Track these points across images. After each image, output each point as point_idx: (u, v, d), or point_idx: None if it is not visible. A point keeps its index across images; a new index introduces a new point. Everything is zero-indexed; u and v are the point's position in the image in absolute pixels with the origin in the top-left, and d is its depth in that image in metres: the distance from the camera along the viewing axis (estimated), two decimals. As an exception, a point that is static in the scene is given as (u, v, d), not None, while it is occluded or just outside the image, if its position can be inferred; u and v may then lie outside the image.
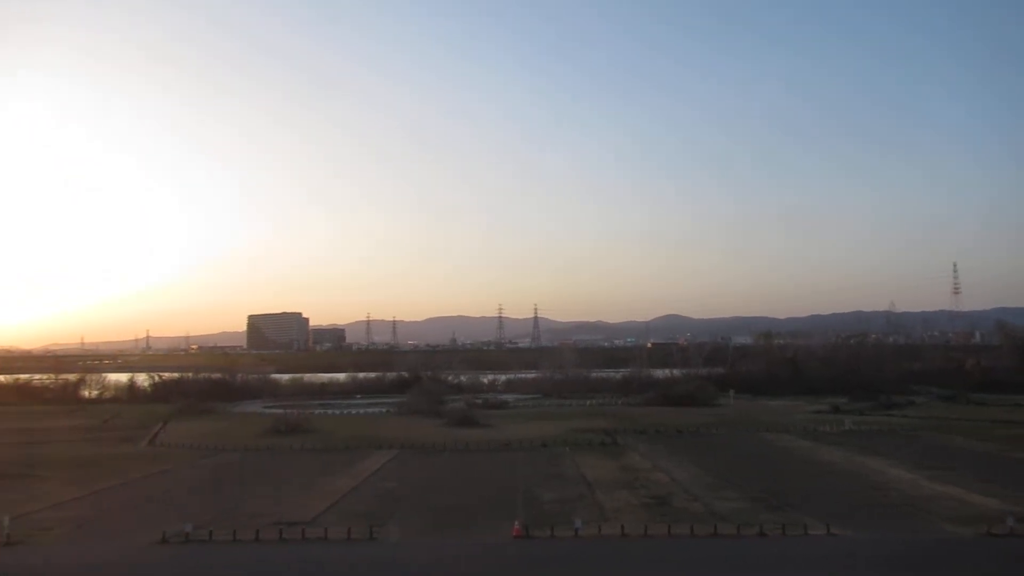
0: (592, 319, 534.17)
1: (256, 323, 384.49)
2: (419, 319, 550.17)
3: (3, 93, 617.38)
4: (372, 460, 57.23)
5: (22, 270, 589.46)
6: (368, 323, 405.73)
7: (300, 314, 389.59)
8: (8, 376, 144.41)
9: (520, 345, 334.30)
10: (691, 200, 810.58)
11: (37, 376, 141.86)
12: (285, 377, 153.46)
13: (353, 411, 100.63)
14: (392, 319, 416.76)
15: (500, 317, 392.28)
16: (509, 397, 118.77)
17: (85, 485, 48.36)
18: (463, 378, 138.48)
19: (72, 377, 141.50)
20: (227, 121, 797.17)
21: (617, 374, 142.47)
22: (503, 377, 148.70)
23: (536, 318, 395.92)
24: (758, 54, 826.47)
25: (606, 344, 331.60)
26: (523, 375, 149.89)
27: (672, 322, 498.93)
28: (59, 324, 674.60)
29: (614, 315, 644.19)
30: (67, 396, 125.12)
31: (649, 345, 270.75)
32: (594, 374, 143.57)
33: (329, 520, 36.71)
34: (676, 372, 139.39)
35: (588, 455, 59.00)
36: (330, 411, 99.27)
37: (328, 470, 52.98)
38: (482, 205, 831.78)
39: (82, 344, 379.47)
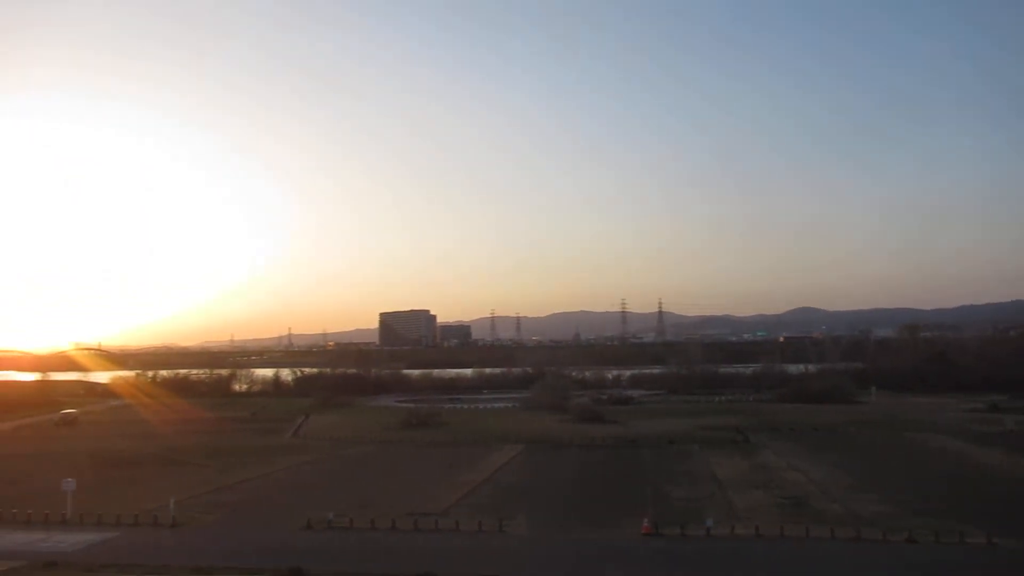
0: (719, 313, 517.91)
1: (387, 321, 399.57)
2: (542, 315, 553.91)
3: (125, 99, 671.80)
4: (500, 454, 58.11)
5: (180, 275, 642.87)
6: (492, 319, 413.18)
7: (428, 311, 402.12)
8: (169, 371, 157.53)
9: (644, 340, 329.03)
10: (821, 188, 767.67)
11: (194, 371, 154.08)
12: (415, 373, 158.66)
13: (480, 406, 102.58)
14: (516, 315, 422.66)
15: (623, 312, 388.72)
16: (634, 393, 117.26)
17: (238, 472, 52.07)
18: (587, 373, 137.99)
19: (224, 372, 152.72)
20: (359, 127, 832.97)
21: (747, 370, 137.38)
22: (628, 373, 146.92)
23: (661, 312, 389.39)
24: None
25: (734, 339, 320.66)
26: (648, 370, 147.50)
27: (805, 315, 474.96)
28: (212, 323, 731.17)
29: (742, 308, 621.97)
30: (220, 390, 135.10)
31: (781, 339, 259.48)
32: (722, 369, 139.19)
33: (460, 512, 37.65)
34: (811, 367, 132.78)
35: (718, 452, 57.33)
36: (458, 405, 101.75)
37: (458, 463, 54.28)
38: (602, 199, 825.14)
39: (232, 341, 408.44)
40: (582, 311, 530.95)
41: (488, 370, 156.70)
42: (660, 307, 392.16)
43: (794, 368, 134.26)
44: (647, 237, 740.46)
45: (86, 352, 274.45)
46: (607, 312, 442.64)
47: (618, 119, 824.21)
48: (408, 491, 44.07)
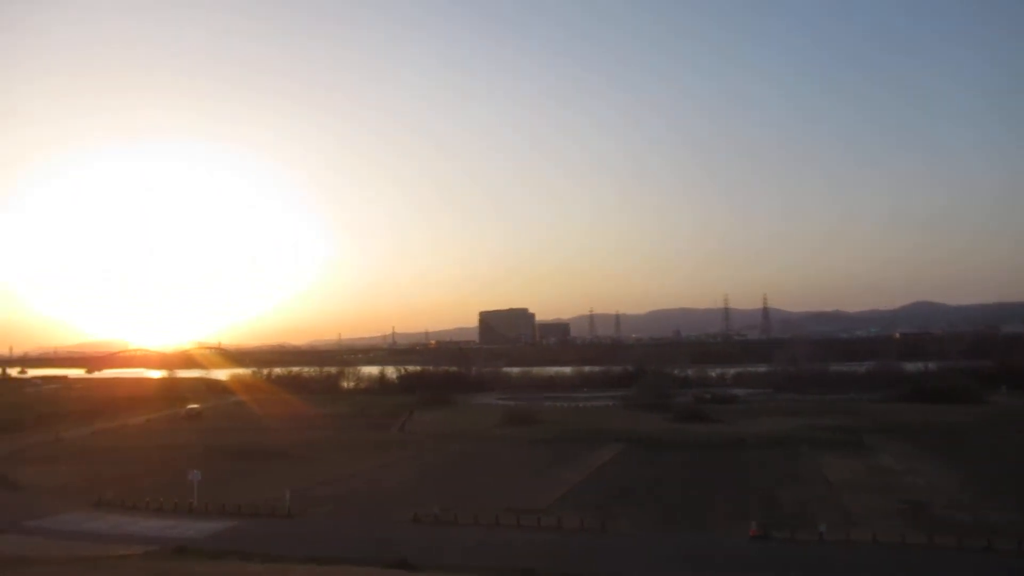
0: (828, 308, 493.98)
1: (487, 319, 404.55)
2: (641, 312, 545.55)
3: (238, 101, 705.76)
4: (601, 453, 57.75)
5: (292, 277, 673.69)
6: (591, 317, 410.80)
7: (527, 310, 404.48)
8: (282, 368, 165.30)
9: (749, 337, 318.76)
10: (940, 176, 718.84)
11: (305, 369, 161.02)
12: (515, 370, 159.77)
13: (579, 404, 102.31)
14: (615, 313, 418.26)
15: (726, 308, 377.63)
16: (739, 391, 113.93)
17: (348, 466, 54.06)
18: (689, 372, 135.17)
19: (332, 370, 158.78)
20: (461, 127, 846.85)
21: (859, 368, 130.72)
22: (731, 371, 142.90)
23: (765, 308, 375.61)
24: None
25: (844, 335, 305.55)
26: (753, 368, 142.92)
27: (922, 310, 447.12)
28: (321, 323, 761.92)
29: (853, 304, 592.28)
30: (328, 387, 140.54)
31: (896, 336, 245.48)
32: (832, 368, 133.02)
33: (561, 510, 37.63)
34: (930, 365, 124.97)
35: (829, 454, 54.85)
36: (558, 403, 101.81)
37: (559, 461, 54.33)
38: (702, 193, 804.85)
39: (339, 340, 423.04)
40: (682, 308, 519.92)
41: (587, 368, 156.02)
42: (765, 303, 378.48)
43: (911, 366, 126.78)
44: (751, 230, 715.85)
45: (207, 351, 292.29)
46: (709, 309, 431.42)
47: (717, 108, 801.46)
48: (510, 488, 44.45)
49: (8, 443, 71.74)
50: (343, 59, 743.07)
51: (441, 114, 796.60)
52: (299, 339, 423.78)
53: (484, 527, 34.68)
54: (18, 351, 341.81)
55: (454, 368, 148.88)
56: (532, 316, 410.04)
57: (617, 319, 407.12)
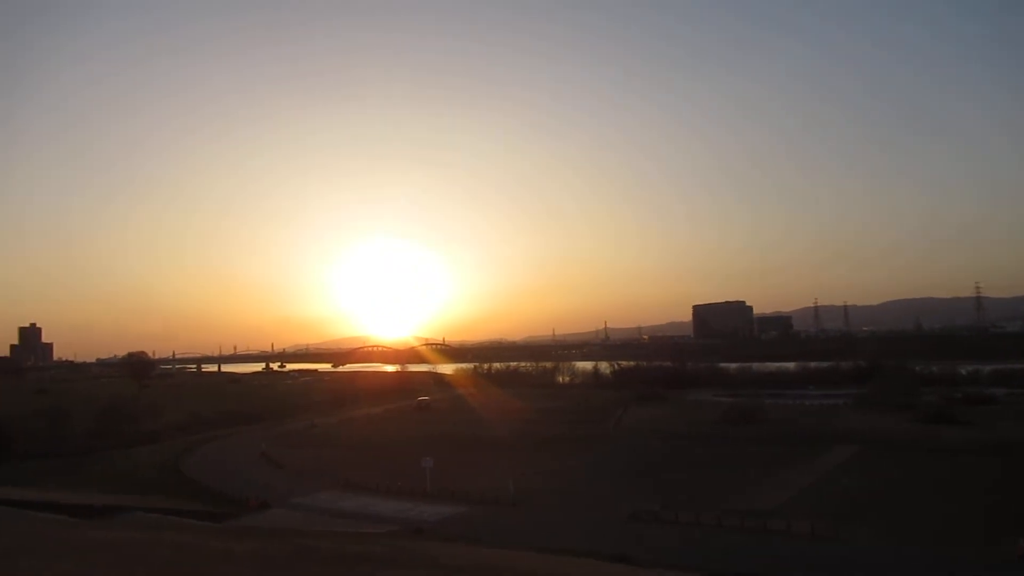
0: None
1: (701, 313, 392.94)
2: (874, 302, 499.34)
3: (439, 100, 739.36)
4: (833, 455, 53.74)
5: (509, 276, 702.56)
6: (816, 309, 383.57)
7: (743, 303, 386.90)
8: (501, 363, 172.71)
9: (1008, 329, 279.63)
10: None
11: (521, 364, 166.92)
12: (732, 366, 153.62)
13: (806, 402, 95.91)
14: (843, 304, 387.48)
15: (978, 296, 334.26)
16: (998, 391, 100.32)
17: (564, 459, 55.23)
18: (934, 368, 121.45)
19: (548, 365, 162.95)
20: (671, 119, 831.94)
21: None
22: (987, 368, 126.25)
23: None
24: None
25: None
26: (1015, 365, 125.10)
27: None
28: (536, 319, 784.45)
29: None
30: (544, 381, 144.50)
31: None
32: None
33: (790, 513, 35.56)
34: None
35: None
36: (780, 401, 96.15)
37: (784, 461, 51.38)
38: (940, 169, 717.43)
39: (553, 336, 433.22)
40: (924, 297, 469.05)
41: (813, 364, 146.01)
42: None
43: None
44: (1005, 204, 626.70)
45: (432, 347, 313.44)
46: (956, 298, 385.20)
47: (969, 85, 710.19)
48: (731, 488, 42.84)
49: (273, 428, 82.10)
50: (563, 58, 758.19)
51: (649, 107, 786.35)
52: (515, 335, 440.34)
53: (705, 527, 33.75)
54: (278, 347, 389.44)
55: (668, 363, 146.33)
56: (750, 309, 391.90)
57: (846, 310, 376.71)
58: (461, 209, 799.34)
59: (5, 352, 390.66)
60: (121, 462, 61.53)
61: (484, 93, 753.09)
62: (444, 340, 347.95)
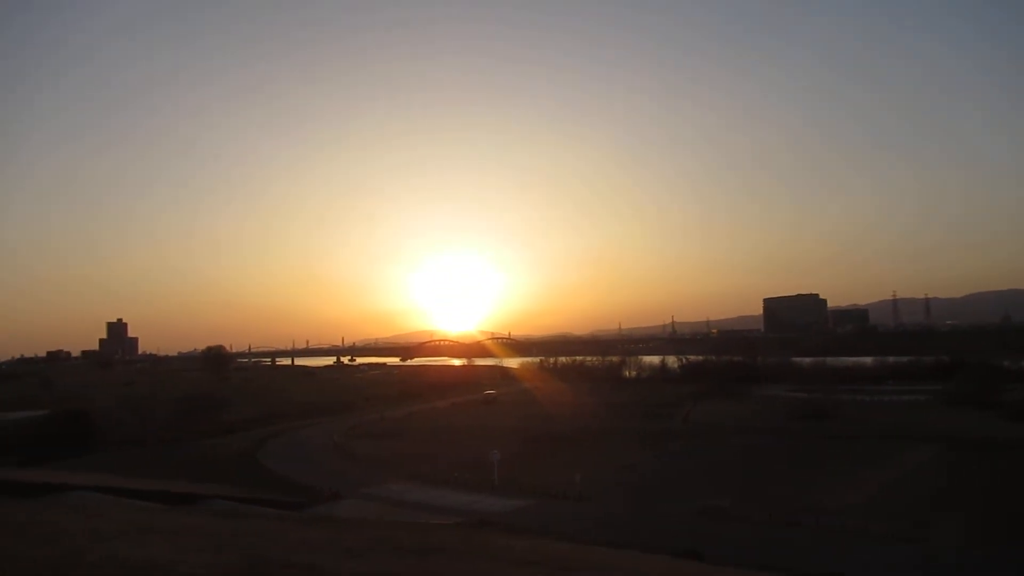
0: None
1: (772, 306, 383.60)
2: (957, 295, 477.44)
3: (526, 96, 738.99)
4: (913, 453, 51.84)
5: (573, 269, 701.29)
6: (894, 301, 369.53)
7: (817, 295, 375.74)
8: (567, 357, 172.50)
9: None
10: None
11: (587, 358, 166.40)
12: (805, 361, 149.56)
13: (884, 398, 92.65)
14: (924, 296, 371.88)
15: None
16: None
17: (631, 454, 54.93)
18: (1023, 363, 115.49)
19: (614, 359, 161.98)
20: (740, 104, 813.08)
21: None
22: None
23: None
24: None
25: None
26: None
27: None
28: (602, 313, 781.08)
29: None
30: (610, 375, 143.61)
31: None
32: None
33: (867, 513, 34.56)
34: None
35: None
36: (857, 397, 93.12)
37: (861, 460, 49.88)
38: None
39: (619, 330, 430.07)
40: (1013, 289, 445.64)
41: (891, 359, 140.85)
42: None
43: None
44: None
45: (498, 341, 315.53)
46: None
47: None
48: (804, 486, 41.86)
49: (344, 421, 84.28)
50: (638, 53, 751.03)
51: (715, 94, 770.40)
52: (581, 329, 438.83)
53: (778, 526, 33.10)
54: (348, 342, 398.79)
55: (738, 358, 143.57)
56: (823, 302, 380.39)
57: (927, 303, 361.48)
58: (528, 203, 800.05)
59: (94, 346, 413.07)
60: (202, 452, 64.21)
61: (545, 84, 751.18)
62: (510, 334, 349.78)
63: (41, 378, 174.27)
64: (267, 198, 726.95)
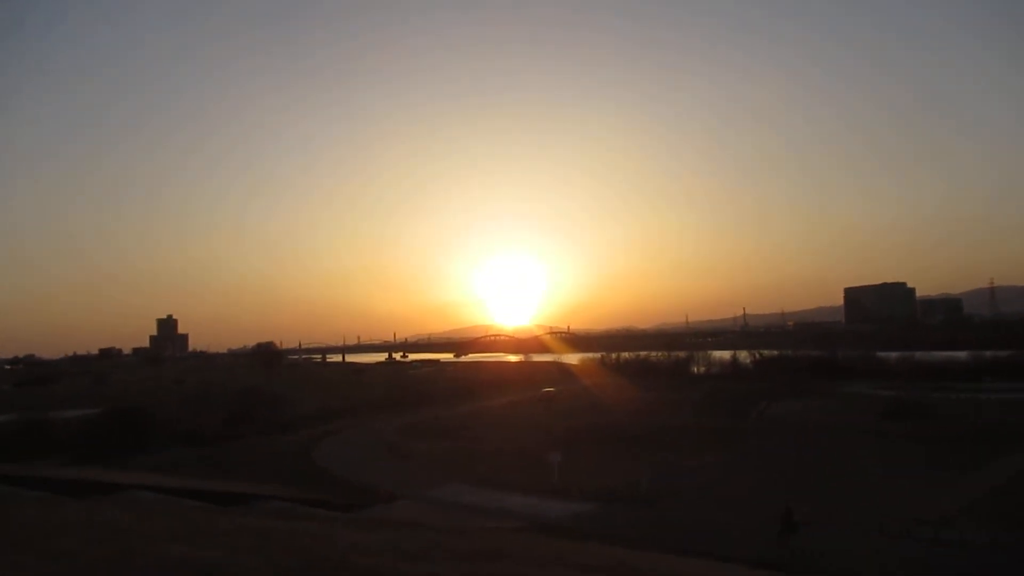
0: None
1: (854, 296, 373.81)
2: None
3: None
4: (1016, 457, 49.69)
5: (637, 259, 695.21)
6: (992, 290, 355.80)
7: (904, 284, 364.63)
8: (631, 353, 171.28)
9: None
10: None
11: (652, 353, 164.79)
12: (892, 355, 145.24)
13: (982, 395, 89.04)
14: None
15: None
16: None
17: (700, 455, 54.21)
18: None
19: (680, 354, 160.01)
20: (805, 87, 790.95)
21: None
22: None
23: None
24: None
25: None
26: None
27: None
28: (667, 306, 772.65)
29: None
30: (677, 371, 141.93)
31: None
32: None
33: (964, 522, 33.32)
34: None
35: None
36: (952, 395, 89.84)
37: (956, 464, 48.10)
38: None
39: (687, 323, 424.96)
40: None
41: (989, 353, 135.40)
42: None
43: None
44: None
45: (556, 335, 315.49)
46: None
47: None
48: (893, 491, 40.62)
49: (397, 419, 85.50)
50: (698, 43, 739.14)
51: (788, 75, 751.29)
52: (645, 323, 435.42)
53: (861, 535, 32.19)
54: (400, 337, 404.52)
55: (816, 352, 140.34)
56: (911, 291, 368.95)
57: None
58: (589, 191, 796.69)
59: (145, 343, 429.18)
60: (256, 450, 66.01)
61: (603, 63, 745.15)
62: (569, 328, 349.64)
63: (94, 375, 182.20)
64: (317, 192, 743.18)
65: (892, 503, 37.18)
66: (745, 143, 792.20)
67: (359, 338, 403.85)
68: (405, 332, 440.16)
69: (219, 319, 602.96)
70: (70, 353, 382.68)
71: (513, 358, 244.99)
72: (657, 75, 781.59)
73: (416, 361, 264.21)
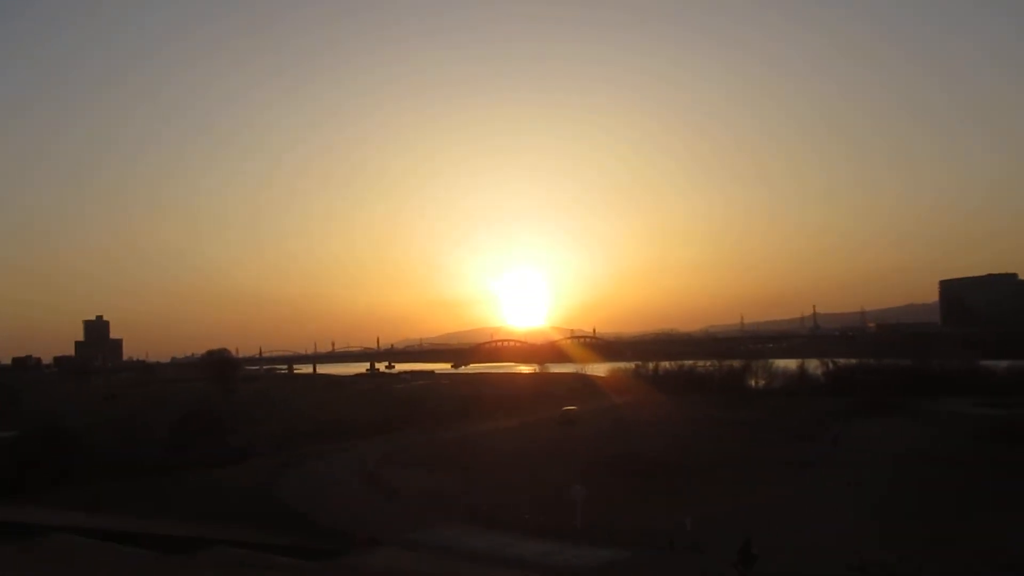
0: None
1: (952, 290, 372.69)
2: None
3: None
4: None
5: (680, 252, 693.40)
6: None
7: (1016, 275, 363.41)
8: (672, 362, 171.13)
9: None
10: None
11: (699, 362, 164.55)
12: (1001, 364, 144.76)
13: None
14: None
15: None
16: None
17: (762, 490, 54.12)
18: None
19: (735, 363, 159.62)
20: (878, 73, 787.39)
21: None
22: None
23: None
24: None
25: None
26: None
27: None
28: (717, 304, 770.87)
29: None
30: (731, 384, 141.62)
31: None
32: None
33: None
34: None
35: None
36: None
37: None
38: None
39: (741, 325, 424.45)
40: None
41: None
42: None
43: None
44: None
45: (579, 341, 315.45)
46: None
47: None
48: (1001, 533, 40.47)
49: (383, 445, 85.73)
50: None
51: (866, 53, 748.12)
52: (689, 325, 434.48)
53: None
54: (384, 343, 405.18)
55: (905, 360, 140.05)
56: (1023, 284, 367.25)
57: None
58: (626, 165, 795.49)
59: (69, 350, 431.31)
60: (206, 484, 66.27)
61: (635, 45, 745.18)
62: (595, 332, 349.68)
63: (6, 391, 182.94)
64: (281, 172, 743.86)
65: (999, 547, 37.08)
66: (816, 109, 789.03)
67: (334, 344, 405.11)
68: (392, 337, 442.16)
69: (161, 321, 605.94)
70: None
71: (525, 368, 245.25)
72: (711, 42, 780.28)
73: (405, 373, 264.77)
